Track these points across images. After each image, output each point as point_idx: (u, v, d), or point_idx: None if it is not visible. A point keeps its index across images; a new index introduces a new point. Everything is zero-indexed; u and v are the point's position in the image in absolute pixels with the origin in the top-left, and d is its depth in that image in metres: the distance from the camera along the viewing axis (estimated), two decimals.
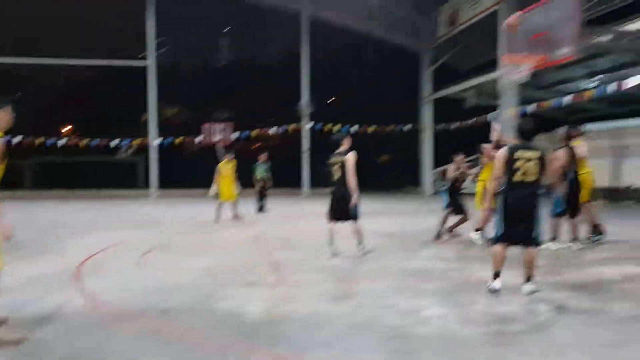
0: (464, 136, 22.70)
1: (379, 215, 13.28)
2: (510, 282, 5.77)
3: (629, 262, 7.21)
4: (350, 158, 7.38)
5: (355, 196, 7.40)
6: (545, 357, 3.68)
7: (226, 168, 12.90)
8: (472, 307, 4.91)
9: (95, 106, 29.29)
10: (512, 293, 5.39)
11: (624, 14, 14.87)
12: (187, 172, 26.78)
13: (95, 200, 20.49)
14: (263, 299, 5.20)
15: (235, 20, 27.54)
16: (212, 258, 7.56)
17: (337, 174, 7.43)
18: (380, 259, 7.43)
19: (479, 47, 24.80)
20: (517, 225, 5.26)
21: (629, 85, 13.56)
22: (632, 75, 15.67)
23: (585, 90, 18.17)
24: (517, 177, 5.24)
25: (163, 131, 25.53)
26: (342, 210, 7.52)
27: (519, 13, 13.24)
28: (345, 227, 7.58)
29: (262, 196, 15.02)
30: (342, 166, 7.37)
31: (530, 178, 5.24)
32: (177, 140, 25.17)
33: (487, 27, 22.18)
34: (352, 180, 7.37)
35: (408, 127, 25.07)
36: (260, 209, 14.91)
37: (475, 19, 20.95)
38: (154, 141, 24.98)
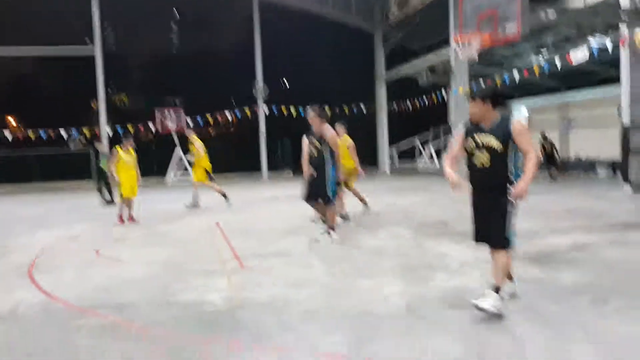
0: (418, 114, 23.05)
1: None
2: (467, 254, 5.95)
3: (577, 231, 7.52)
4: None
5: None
6: (500, 328, 3.82)
7: (127, 157, 10.39)
8: (430, 283, 5.03)
9: (41, 96, 28.18)
10: (469, 266, 5.56)
11: None
12: (141, 161, 26.08)
13: (47, 194, 19.84)
14: (222, 288, 5.18)
15: (185, 4, 26.93)
16: (169, 249, 7.44)
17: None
18: (338, 240, 7.51)
19: (430, 27, 25.03)
20: None
21: (575, 59, 13.94)
22: (577, 49, 16.12)
23: (533, 65, 18.60)
24: None
25: (115, 119, 24.83)
26: None
27: None
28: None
29: (109, 188, 14.32)
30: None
31: None
32: (130, 128, 24.55)
33: (439, 7, 22.41)
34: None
35: (363, 106, 25.13)
36: (111, 201, 14.22)
37: None
38: (105, 130, 24.27)
